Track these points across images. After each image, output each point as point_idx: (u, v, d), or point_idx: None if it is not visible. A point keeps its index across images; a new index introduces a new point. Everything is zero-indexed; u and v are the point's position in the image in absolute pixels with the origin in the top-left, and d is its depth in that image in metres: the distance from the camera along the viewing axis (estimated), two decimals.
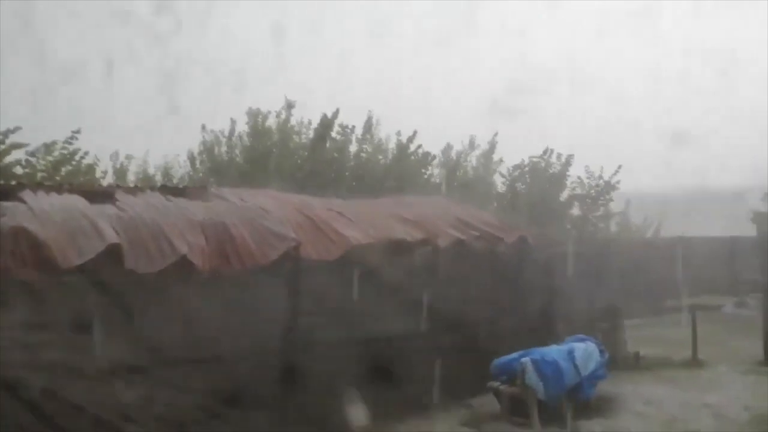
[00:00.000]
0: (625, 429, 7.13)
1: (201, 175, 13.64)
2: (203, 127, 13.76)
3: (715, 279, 18.17)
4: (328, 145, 13.04)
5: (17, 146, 10.26)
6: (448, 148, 14.57)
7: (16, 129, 10.06)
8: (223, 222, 6.78)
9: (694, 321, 11.02)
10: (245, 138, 13.47)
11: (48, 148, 10.80)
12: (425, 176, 13.72)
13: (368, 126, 13.48)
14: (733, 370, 10.14)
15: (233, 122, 13.60)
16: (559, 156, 14.27)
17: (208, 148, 13.85)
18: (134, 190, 7.69)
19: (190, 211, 6.86)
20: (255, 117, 13.41)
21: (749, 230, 18.33)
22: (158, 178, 13.78)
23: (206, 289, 6.38)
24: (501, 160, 14.65)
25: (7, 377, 5.27)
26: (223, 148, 13.66)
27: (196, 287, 6.31)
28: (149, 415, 5.80)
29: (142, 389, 5.88)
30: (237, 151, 13.59)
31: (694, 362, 10.61)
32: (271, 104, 13.44)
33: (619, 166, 14.33)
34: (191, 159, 13.99)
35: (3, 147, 10.15)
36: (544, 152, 14.32)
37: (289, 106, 13.35)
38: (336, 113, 12.99)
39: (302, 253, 6.97)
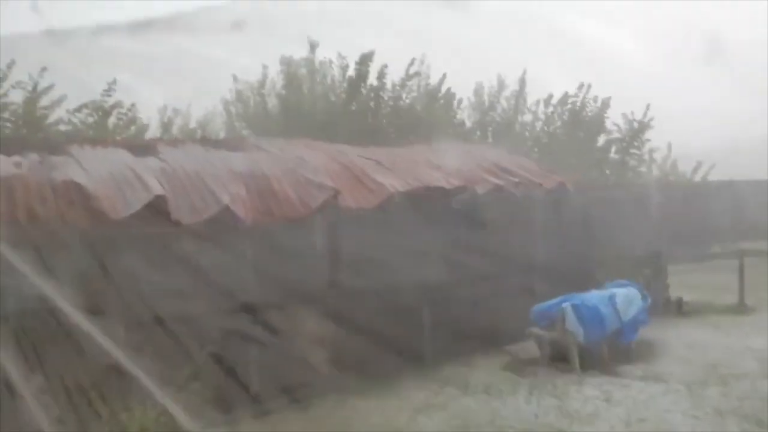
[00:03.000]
0: (666, 373, 7.11)
1: (236, 125, 13.72)
2: (234, 78, 13.71)
3: (764, 223, 17.62)
4: (363, 91, 12.83)
5: (59, 102, 10.44)
6: (479, 88, 14.07)
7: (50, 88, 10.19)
8: (262, 172, 6.85)
9: (742, 266, 10.76)
10: (278, 87, 13.38)
11: (91, 105, 10.94)
12: (455, 120, 13.43)
13: (408, 71, 13.02)
14: None
15: (265, 69, 13.45)
16: (596, 98, 13.73)
17: (243, 99, 13.86)
18: (176, 143, 7.80)
19: (230, 162, 6.94)
20: (288, 65, 13.24)
21: None
22: (199, 131, 13.89)
23: (250, 239, 6.50)
24: (538, 102, 14.06)
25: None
26: (256, 99, 13.62)
27: (241, 237, 6.43)
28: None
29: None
30: (270, 101, 13.54)
31: (740, 307, 10.42)
32: (298, 48, 13.12)
33: (648, 105, 13.80)
34: (227, 110, 14.04)
35: (46, 104, 10.37)
36: (580, 87, 13.75)
37: (313, 46, 13.06)
38: (370, 55, 12.63)
39: (341, 201, 7.01)
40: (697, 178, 17.53)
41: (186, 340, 5.70)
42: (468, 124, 13.87)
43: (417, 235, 7.66)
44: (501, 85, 14.14)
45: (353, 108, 12.61)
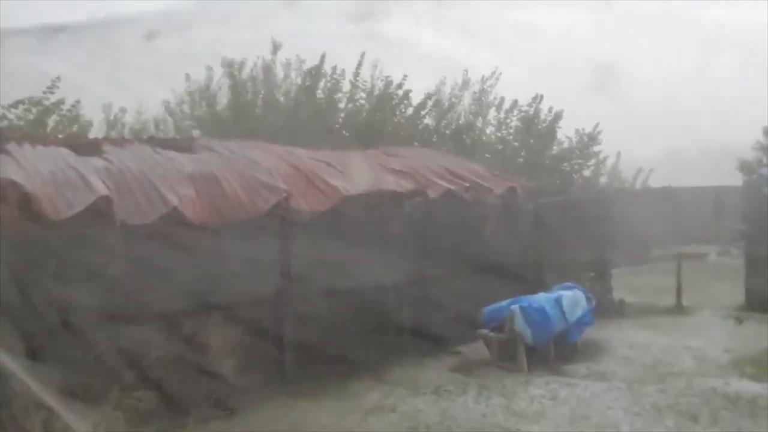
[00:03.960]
0: (609, 372, 7.35)
1: (185, 126, 13.40)
2: (187, 77, 13.39)
3: (700, 228, 18.49)
4: (318, 91, 12.74)
5: None
6: (441, 84, 13.58)
7: None
8: (213, 173, 6.75)
9: (679, 269, 11.25)
10: (225, 89, 13.12)
11: (29, 101, 10.51)
12: (414, 123, 13.39)
13: (358, 70, 12.88)
14: (714, 316, 10.44)
15: (210, 70, 13.08)
16: (550, 109, 14.04)
17: (192, 99, 13.56)
18: (122, 142, 7.59)
19: (180, 163, 6.81)
20: (230, 67, 12.97)
21: (737, 180, 18.51)
22: (150, 130, 13.47)
23: (198, 241, 6.39)
24: (496, 100, 13.94)
25: None
26: (203, 101, 13.31)
27: (188, 239, 6.31)
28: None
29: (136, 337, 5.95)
30: (218, 102, 13.27)
31: (678, 308, 10.89)
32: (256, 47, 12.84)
33: (597, 123, 14.35)
34: (176, 111, 13.66)
35: None
36: (534, 99, 13.99)
37: (276, 47, 12.90)
38: (323, 57, 12.56)
39: (293, 204, 6.97)
40: (638, 184, 18.22)
41: (113, 348, 5.56)
42: (426, 125, 13.76)
43: (369, 237, 7.69)
44: (464, 85, 13.97)
45: (307, 111, 12.53)
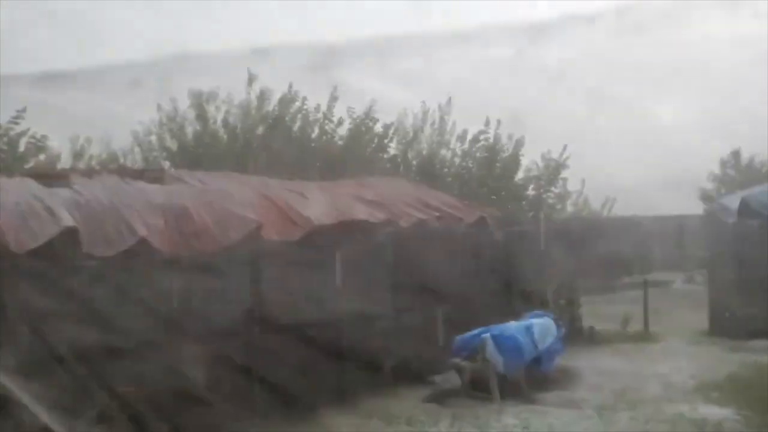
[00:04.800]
0: (580, 399, 7.40)
1: (154, 157, 13.28)
2: (159, 107, 13.31)
3: (665, 256, 18.94)
4: (288, 122, 12.80)
5: None
6: (403, 115, 13.64)
7: None
8: (182, 204, 6.69)
9: (646, 296, 11.50)
10: (193, 121, 13.07)
11: None
12: (382, 153, 13.52)
13: (331, 101, 13.03)
14: (680, 342, 10.65)
15: (174, 101, 12.89)
16: (510, 136, 14.20)
17: (161, 130, 13.46)
18: (90, 173, 7.52)
19: (149, 194, 6.75)
20: (198, 99, 12.95)
21: (699, 209, 19.10)
22: (120, 160, 13.31)
23: (167, 272, 6.31)
24: (456, 128, 14.14)
25: None
26: (173, 131, 13.22)
27: (157, 270, 6.23)
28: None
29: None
30: (188, 134, 13.20)
31: (646, 335, 11.08)
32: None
33: (565, 146, 14.46)
34: (138, 142, 13.48)
35: None
36: (486, 124, 14.09)
37: (251, 79, 12.93)
38: (291, 86, 12.58)
39: (264, 234, 6.95)
40: (605, 213, 18.61)
41: (83, 379, 5.41)
42: (394, 156, 13.89)
43: (341, 268, 7.69)
44: (424, 115, 14.16)
45: (275, 142, 12.56)
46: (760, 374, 8.22)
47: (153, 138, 13.43)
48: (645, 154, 19.26)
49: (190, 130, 13.16)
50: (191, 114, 13.04)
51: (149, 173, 8.01)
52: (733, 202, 12.75)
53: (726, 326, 10.78)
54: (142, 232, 6.01)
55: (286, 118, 12.86)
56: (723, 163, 19.73)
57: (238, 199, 7.22)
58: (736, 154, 19.54)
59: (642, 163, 18.93)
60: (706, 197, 19.19)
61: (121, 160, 13.31)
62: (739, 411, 6.65)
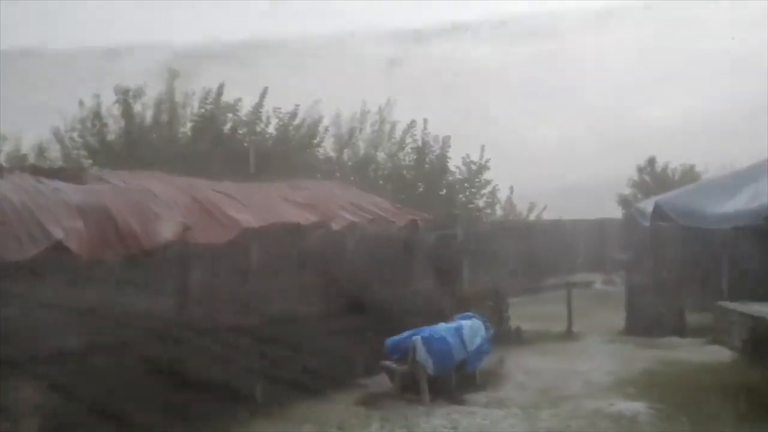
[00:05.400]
0: (506, 398, 7.61)
1: (74, 155, 12.63)
2: (81, 103, 12.65)
3: (587, 258, 19.83)
4: (217, 122, 12.53)
5: None
6: (337, 117, 13.70)
7: None
8: (103, 205, 6.40)
9: (569, 297, 11.95)
10: (118, 118, 12.55)
11: None
12: (316, 155, 13.43)
13: (260, 101, 12.81)
14: (600, 341, 11.16)
15: (97, 98, 12.38)
16: (436, 138, 14.37)
17: (84, 126, 12.81)
18: (1, 171, 7.04)
19: (66, 194, 6.41)
20: (125, 95, 12.45)
21: (617, 213, 20.13)
22: (32, 159, 12.54)
23: (86, 277, 6.01)
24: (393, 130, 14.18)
25: None
26: (95, 128, 12.62)
27: (75, 275, 5.92)
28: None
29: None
30: (112, 131, 12.65)
31: (569, 335, 11.53)
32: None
33: (483, 146, 14.77)
34: (59, 138, 12.78)
35: None
36: (411, 124, 14.15)
37: (173, 75, 12.53)
38: (221, 87, 12.44)
39: (191, 236, 6.74)
40: (532, 217, 19.24)
41: None
42: (328, 156, 13.80)
43: (270, 271, 7.58)
44: (363, 115, 14.11)
45: (205, 142, 12.24)
46: (671, 369, 8.75)
47: (74, 135, 12.79)
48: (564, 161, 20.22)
49: (114, 128, 12.64)
50: (116, 109, 12.54)
51: (67, 172, 7.61)
52: (648, 206, 13.52)
53: (640, 325, 11.39)
54: (58, 234, 5.69)
55: (216, 118, 12.58)
56: (640, 170, 20.82)
57: (164, 199, 6.98)
58: (651, 161, 20.67)
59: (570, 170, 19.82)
60: (624, 202, 20.21)
61: (36, 159, 12.57)
62: (652, 405, 7.02)
